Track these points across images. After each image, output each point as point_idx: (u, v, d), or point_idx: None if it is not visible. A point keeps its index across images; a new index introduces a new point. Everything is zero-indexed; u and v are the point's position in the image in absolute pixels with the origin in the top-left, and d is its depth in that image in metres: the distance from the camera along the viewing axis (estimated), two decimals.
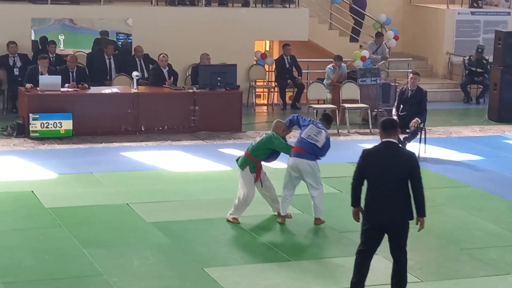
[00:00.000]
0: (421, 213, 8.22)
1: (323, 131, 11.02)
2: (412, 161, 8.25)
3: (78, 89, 16.22)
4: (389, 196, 8.13)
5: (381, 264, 9.67)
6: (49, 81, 15.90)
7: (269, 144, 10.94)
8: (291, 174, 11.04)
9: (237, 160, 11.08)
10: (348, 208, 11.84)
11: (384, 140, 8.30)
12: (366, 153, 8.36)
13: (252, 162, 10.91)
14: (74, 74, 16.67)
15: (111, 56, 18.20)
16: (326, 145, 11.05)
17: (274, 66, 20.36)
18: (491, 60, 20.25)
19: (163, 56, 17.31)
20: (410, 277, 9.15)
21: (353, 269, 8.51)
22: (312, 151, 10.93)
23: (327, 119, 11.35)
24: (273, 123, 11.23)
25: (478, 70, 21.22)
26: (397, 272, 8.42)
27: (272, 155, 11.09)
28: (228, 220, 11.02)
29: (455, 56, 22.48)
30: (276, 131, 11.03)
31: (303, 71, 20.10)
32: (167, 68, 17.38)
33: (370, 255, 8.39)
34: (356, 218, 8.47)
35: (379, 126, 8.43)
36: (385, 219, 8.20)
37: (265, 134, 11.09)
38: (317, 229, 10.80)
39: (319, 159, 11.08)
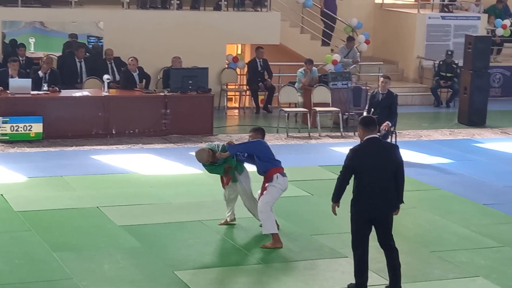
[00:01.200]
0: (401, 199, 8.75)
1: None
2: (398, 151, 8.70)
3: (48, 92, 16.14)
4: (382, 190, 8.50)
5: (352, 267, 9.71)
6: (19, 84, 15.82)
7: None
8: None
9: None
10: (319, 211, 11.98)
11: (367, 137, 8.56)
12: (355, 151, 8.60)
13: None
14: (47, 76, 16.58)
15: (82, 59, 18.13)
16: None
17: (245, 70, 20.37)
18: (461, 64, 20.39)
19: (132, 60, 17.26)
20: (380, 280, 9.21)
21: (355, 265, 8.75)
22: None
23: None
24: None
25: (448, 74, 21.37)
26: (392, 259, 8.71)
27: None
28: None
29: (425, 60, 22.61)
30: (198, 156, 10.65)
31: (274, 74, 20.12)
32: (137, 72, 17.33)
33: (367, 248, 8.69)
34: (335, 211, 8.84)
35: (359, 125, 8.69)
36: (378, 212, 8.56)
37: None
38: (288, 233, 10.81)
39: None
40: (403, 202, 8.79)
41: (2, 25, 18.45)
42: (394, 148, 8.76)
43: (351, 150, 8.67)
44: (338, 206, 8.82)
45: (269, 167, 10.31)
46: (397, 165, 8.59)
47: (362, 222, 8.63)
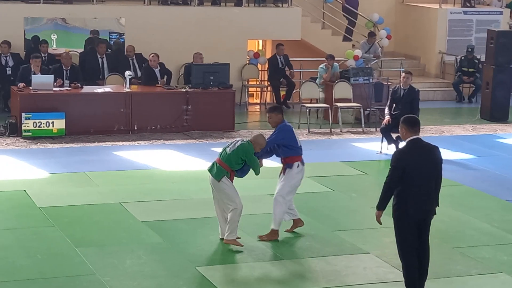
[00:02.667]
0: (437, 202, 8.73)
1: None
2: (439, 152, 8.60)
3: (70, 88, 16.21)
4: (428, 191, 8.45)
5: (374, 263, 9.70)
6: (41, 81, 15.88)
7: (242, 153, 9.92)
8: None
9: (209, 170, 10.03)
10: (340, 207, 11.97)
11: (412, 138, 8.44)
12: (401, 152, 8.49)
13: (226, 173, 9.94)
14: (68, 72, 16.67)
15: (104, 55, 18.19)
16: None
17: (266, 66, 20.37)
18: (483, 59, 20.29)
19: (153, 56, 17.29)
20: (402, 275, 9.18)
21: (405, 275, 8.56)
22: None
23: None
24: (255, 135, 10.16)
25: (470, 69, 21.27)
26: (422, 264, 8.58)
27: (244, 169, 10.11)
28: (228, 244, 10.04)
29: (447, 55, 22.52)
30: (254, 145, 9.96)
31: (295, 70, 20.09)
32: (158, 68, 17.36)
33: (415, 250, 8.51)
34: (380, 220, 8.58)
35: (402, 124, 8.50)
36: (427, 213, 8.50)
37: (240, 141, 10.01)
38: (310, 228, 10.80)
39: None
40: (438, 205, 8.70)
41: (24, 22, 18.54)
42: (436, 149, 8.59)
43: (396, 151, 8.58)
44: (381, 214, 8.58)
45: (291, 154, 10.30)
46: (439, 166, 8.52)
47: (411, 226, 8.42)
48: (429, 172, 8.42)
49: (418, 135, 8.50)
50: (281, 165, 10.50)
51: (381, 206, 8.52)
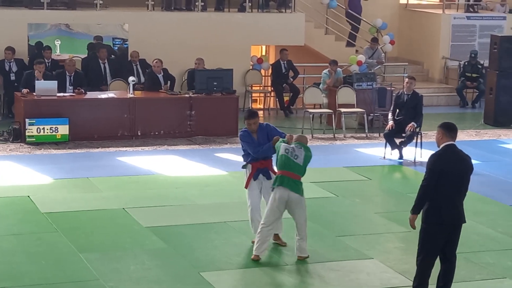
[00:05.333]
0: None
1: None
2: (471, 162, 8.52)
3: (74, 94, 16.23)
4: (460, 197, 8.37)
5: (378, 269, 9.70)
6: (45, 86, 15.90)
7: (309, 160, 9.82)
8: None
9: (288, 186, 9.62)
10: (344, 212, 11.96)
11: (447, 143, 8.36)
12: (439, 156, 8.35)
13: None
14: (72, 78, 16.69)
15: (106, 61, 18.21)
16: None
17: (270, 71, 20.38)
18: (486, 64, 20.29)
19: (156, 62, 17.31)
20: (406, 281, 9.18)
21: (418, 273, 8.43)
22: None
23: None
24: (298, 135, 10.10)
25: (473, 75, 21.27)
26: (449, 272, 8.49)
27: None
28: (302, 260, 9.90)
29: (451, 60, 22.52)
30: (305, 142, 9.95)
31: (299, 76, 20.09)
32: (162, 73, 17.38)
33: (435, 258, 8.42)
34: (414, 225, 8.43)
35: (440, 128, 8.42)
36: (461, 219, 8.39)
37: (298, 148, 9.78)
38: (314, 234, 10.78)
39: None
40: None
41: (28, 28, 18.56)
42: (469, 157, 8.49)
43: (433, 155, 8.39)
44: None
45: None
46: (469, 174, 8.42)
47: (443, 232, 8.29)
48: (462, 179, 8.33)
49: (454, 141, 8.40)
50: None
51: (416, 210, 8.35)
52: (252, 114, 10.49)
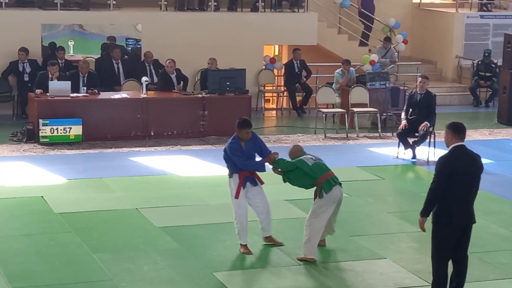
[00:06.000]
0: None
1: None
2: (481, 161, 8.49)
3: (87, 95, 16.27)
4: (470, 198, 8.33)
5: (391, 269, 9.68)
6: (59, 87, 15.95)
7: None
8: None
9: (339, 184, 9.96)
10: (357, 212, 11.94)
11: (456, 144, 8.33)
12: (448, 157, 8.31)
13: None
14: (85, 79, 16.74)
15: (119, 61, 18.25)
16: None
17: (283, 71, 20.38)
18: (500, 63, 20.23)
19: (169, 62, 17.33)
20: (419, 281, 9.17)
21: (435, 274, 8.41)
22: None
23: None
24: (290, 151, 10.31)
25: (487, 74, 21.21)
26: (462, 272, 8.46)
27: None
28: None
29: (464, 59, 22.45)
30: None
31: (312, 75, 20.08)
32: (174, 74, 17.39)
33: (448, 260, 8.39)
34: (424, 227, 8.36)
35: (448, 129, 8.40)
36: (469, 220, 8.34)
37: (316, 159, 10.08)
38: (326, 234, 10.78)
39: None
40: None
41: (42, 28, 18.63)
42: (479, 157, 8.46)
43: (442, 157, 8.36)
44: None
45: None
46: (479, 174, 8.39)
47: (453, 233, 8.26)
48: (472, 179, 8.30)
49: (463, 142, 8.37)
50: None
51: (426, 213, 8.29)
52: (249, 123, 10.45)
